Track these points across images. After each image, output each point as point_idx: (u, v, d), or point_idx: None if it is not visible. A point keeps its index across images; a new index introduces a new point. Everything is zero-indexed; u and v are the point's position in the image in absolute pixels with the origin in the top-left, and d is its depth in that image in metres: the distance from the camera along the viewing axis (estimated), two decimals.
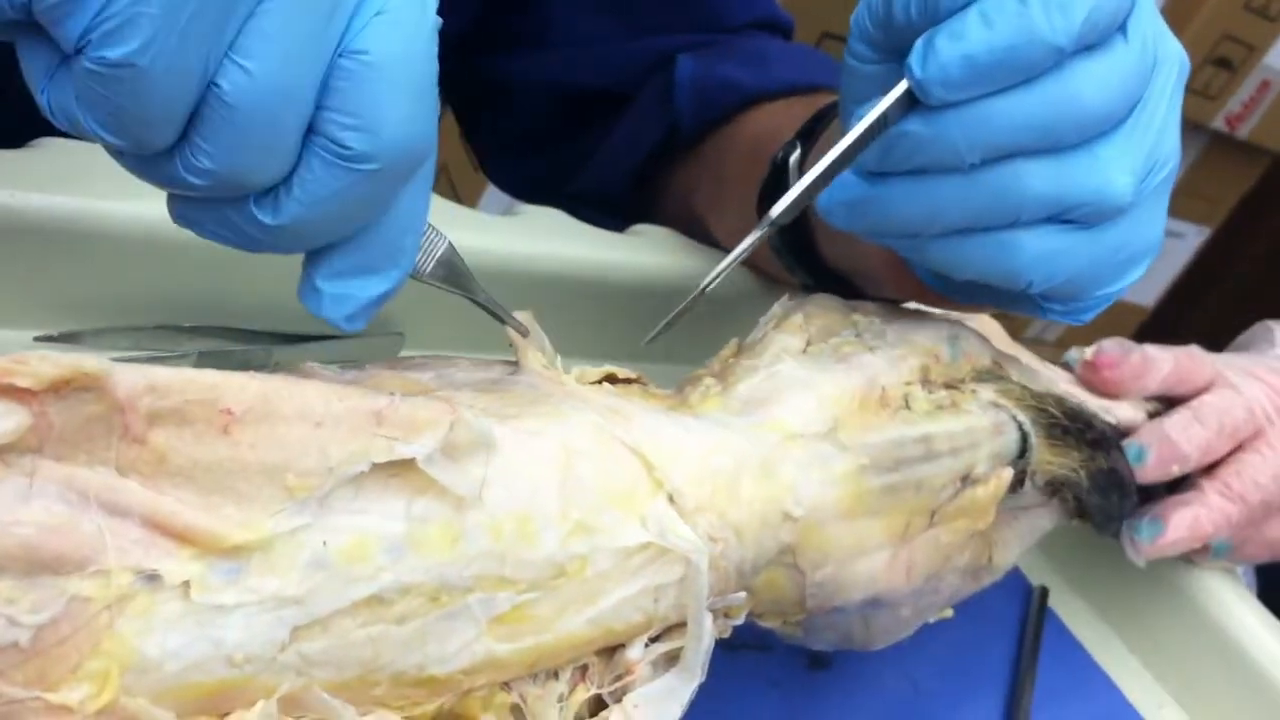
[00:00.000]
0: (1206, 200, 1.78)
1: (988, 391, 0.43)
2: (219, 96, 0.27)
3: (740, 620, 0.37)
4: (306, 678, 0.29)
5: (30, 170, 0.44)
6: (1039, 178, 0.36)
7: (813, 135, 0.50)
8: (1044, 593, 0.58)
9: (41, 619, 0.25)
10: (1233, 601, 0.55)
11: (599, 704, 0.33)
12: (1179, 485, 0.53)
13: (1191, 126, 1.64)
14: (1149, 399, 0.53)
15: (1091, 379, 0.52)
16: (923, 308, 0.46)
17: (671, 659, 0.34)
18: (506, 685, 0.32)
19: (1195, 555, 0.55)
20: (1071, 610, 0.59)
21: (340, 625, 0.29)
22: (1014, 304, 0.41)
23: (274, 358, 0.49)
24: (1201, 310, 1.90)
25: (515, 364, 0.37)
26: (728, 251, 0.38)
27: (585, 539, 0.32)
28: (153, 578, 0.27)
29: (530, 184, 0.72)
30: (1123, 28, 0.35)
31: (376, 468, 0.29)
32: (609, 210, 0.66)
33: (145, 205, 0.45)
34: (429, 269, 0.34)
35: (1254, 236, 1.91)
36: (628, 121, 0.66)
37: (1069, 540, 0.59)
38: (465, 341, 0.54)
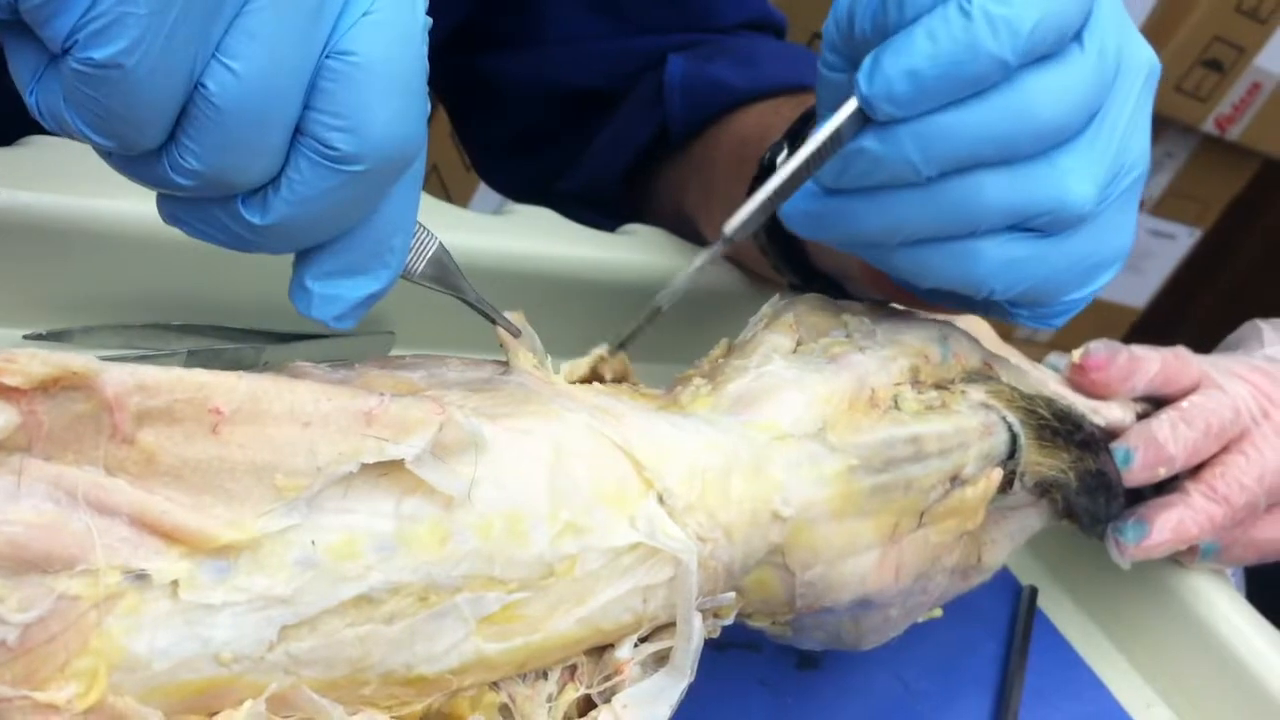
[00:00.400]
0: (1197, 202, 1.79)
1: (978, 392, 0.43)
2: (206, 97, 0.27)
3: (730, 620, 0.37)
4: (295, 677, 0.29)
5: (19, 168, 0.44)
6: (997, 188, 0.36)
7: (801, 136, 0.50)
8: (1033, 592, 0.58)
9: (29, 617, 0.25)
10: (1221, 602, 0.55)
11: (588, 704, 0.33)
12: (1165, 487, 0.53)
13: (1182, 128, 1.64)
14: (1137, 399, 0.53)
15: (1080, 380, 0.52)
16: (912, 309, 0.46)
17: (661, 659, 0.34)
18: (495, 685, 0.32)
19: (1183, 557, 0.55)
20: (1060, 610, 0.59)
21: (329, 624, 0.29)
22: (983, 310, 0.42)
23: (264, 356, 0.49)
24: (1193, 312, 1.91)
25: (506, 364, 0.37)
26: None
27: (575, 539, 0.32)
28: (141, 576, 0.27)
29: (521, 183, 0.72)
30: (1079, 37, 0.35)
31: (366, 467, 0.29)
32: (600, 210, 0.66)
33: (135, 203, 0.45)
34: (420, 269, 0.34)
35: (1245, 238, 1.91)
36: (618, 121, 0.66)
37: (1058, 540, 0.60)
38: (456, 340, 0.54)
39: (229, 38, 0.27)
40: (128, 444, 0.27)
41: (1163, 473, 0.51)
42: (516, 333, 0.37)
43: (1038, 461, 0.44)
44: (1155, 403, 0.54)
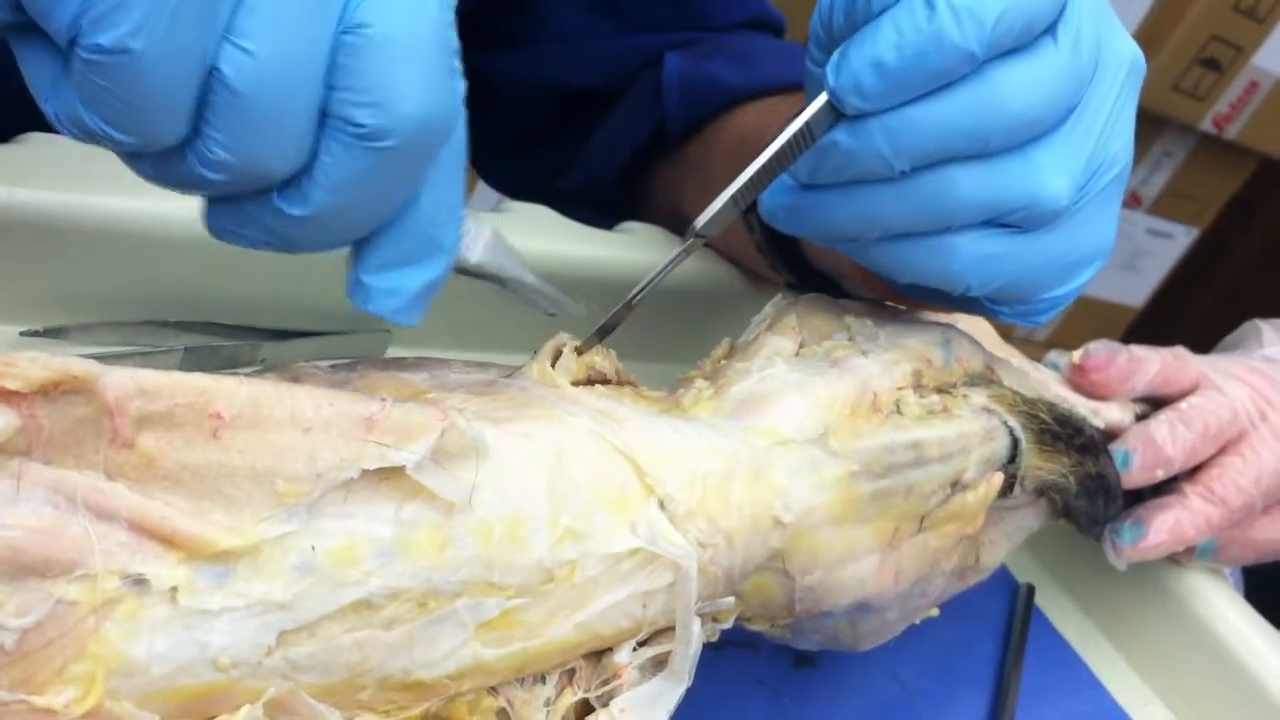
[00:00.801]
0: (1195, 201, 1.79)
1: (979, 396, 0.42)
2: (222, 81, 0.27)
3: (729, 625, 0.37)
4: (292, 682, 0.28)
5: (17, 165, 0.44)
6: (970, 183, 0.35)
7: None
8: (1030, 591, 0.58)
9: (27, 622, 0.25)
10: (1218, 600, 0.55)
11: (586, 708, 0.33)
12: (1162, 488, 0.53)
13: (1180, 127, 1.64)
14: (1136, 400, 0.53)
15: (1080, 381, 0.52)
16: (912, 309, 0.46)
17: (659, 663, 0.34)
18: (493, 690, 0.32)
19: (1181, 556, 0.55)
20: (1058, 608, 0.59)
21: (327, 630, 0.29)
22: (964, 306, 0.41)
23: (261, 353, 0.49)
24: (1191, 311, 1.91)
25: (510, 367, 0.37)
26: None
27: (575, 544, 0.32)
28: (140, 581, 0.26)
29: (520, 181, 0.72)
30: (1052, 30, 0.35)
31: (367, 473, 0.29)
32: (598, 208, 0.66)
33: (132, 200, 0.45)
34: (476, 257, 0.34)
35: (1243, 237, 1.91)
36: (616, 120, 0.66)
37: (1056, 539, 0.60)
38: (452, 339, 0.53)
39: (237, 17, 0.26)
40: (128, 448, 0.27)
41: (1161, 475, 0.51)
42: (583, 314, 0.37)
43: (1038, 465, 0.44)
44: (1154, 403, 0.54)
